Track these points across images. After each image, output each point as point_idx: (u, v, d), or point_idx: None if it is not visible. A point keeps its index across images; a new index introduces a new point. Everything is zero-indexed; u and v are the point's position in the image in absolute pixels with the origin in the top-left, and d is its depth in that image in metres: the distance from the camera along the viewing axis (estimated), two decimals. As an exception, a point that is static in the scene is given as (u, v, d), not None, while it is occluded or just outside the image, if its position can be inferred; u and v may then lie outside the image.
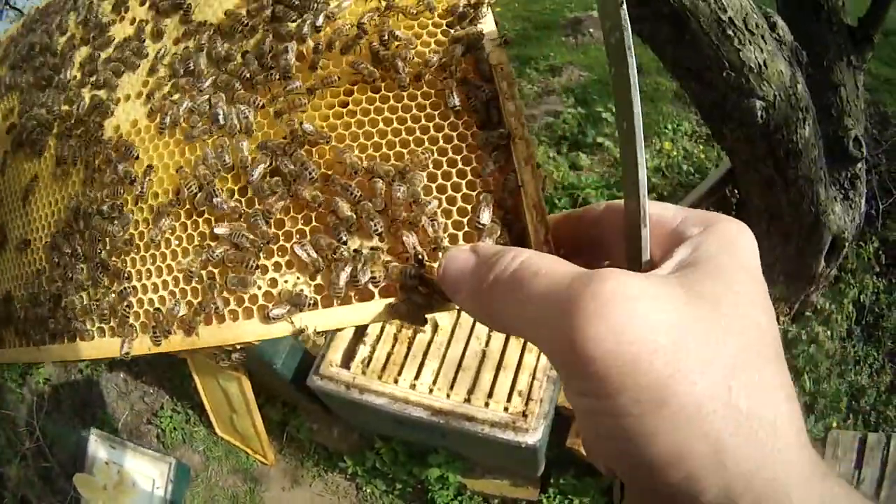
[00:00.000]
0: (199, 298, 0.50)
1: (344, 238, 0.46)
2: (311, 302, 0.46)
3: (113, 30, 0.63)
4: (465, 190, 0.47)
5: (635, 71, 0.33)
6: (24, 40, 0.73)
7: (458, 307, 0.41)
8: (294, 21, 0.53)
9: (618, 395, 0.28)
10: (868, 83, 3.05)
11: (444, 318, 2.36)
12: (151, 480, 2.71)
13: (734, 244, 0.33)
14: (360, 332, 2.40)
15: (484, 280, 0.35)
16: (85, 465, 2.76)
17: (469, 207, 0.46)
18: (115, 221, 0.54)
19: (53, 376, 3.30)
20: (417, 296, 0.44)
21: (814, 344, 2.50)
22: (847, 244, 2.41)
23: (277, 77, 0.51)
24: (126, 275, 0.53)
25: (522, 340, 2.26)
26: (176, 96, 0.56)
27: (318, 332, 0.46)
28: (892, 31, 3.46)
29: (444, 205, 0.47)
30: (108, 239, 0.54)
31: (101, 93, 0.61)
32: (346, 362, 2.30)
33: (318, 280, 0.47)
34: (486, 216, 0.45)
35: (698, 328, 0.28)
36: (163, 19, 0.60)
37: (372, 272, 0.45)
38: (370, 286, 0.45)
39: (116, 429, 3.02)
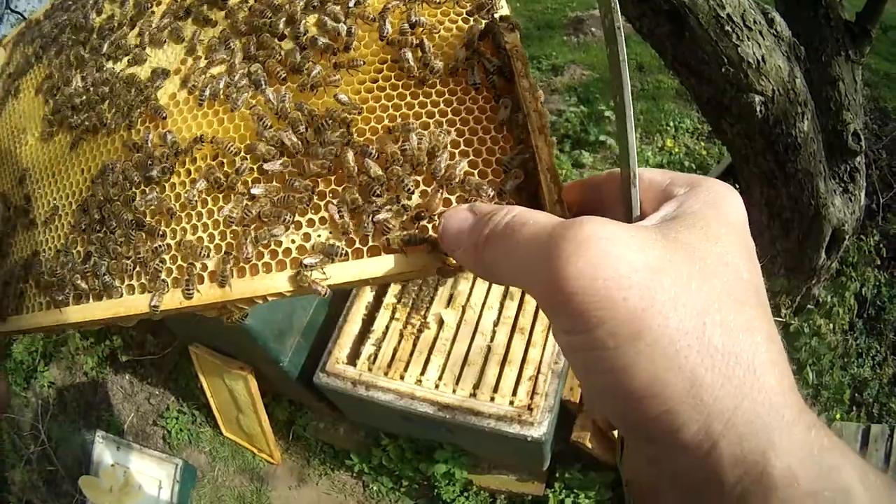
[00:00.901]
0: (234, 252, 0.51)
1: (378, 192, 0.49)
2: (343, 253, 0.49)
3: (152, 9, 0.67)
4: (485, 155, 0.50)
5: (624, 50, 0.36)
6: (52, 21, 0.75)
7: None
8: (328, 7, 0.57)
9: (595, 328, 0.29)
10: (868, 78, 3.07)
11: (450, 315, 2.38)
12: (158, 482, 2.72)
13: (718, 201, 0.35)
14: (366, 328, 2.41)
15: (481, 234, 0.38)
16: (90, 467, 2.77)
17: (489, 171, 0.50)
18: (155, 183, 0.56)
19: (58, 379, 3.31)
20: (439, 248, 0.47)
21: (816, 337, 2.51)
22: (847, 237, 2.43)
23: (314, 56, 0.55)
24: (161, 233, 0.55)
25: (527, 335, 2.27)
26: (215, 70, 0.59)
27: (348, 283, 0.49)
28: (890, 27, 3.49)
29: (468, 168, 0.50)
30: (144, 198, 0.56)
31: (140, 69, 0.64)
32: (352, 359, 2.31)
33: (350, 235, 0.49)
34: (508, 181, 0.48)
35: (673, 269, 0.30)
36: (199, 3, 0.63)
37: (401, 226, 0.48)
38: (400, 238, 0.48)
39: (122, 431, 3.02)
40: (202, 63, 0.60)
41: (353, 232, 0.49)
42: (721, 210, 0.34)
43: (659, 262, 0.30)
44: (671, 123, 3.46)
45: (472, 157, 0.50)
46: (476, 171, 0.50)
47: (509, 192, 0.48)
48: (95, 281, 0.57)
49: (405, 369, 2.24)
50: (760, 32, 1.90)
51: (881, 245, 2.74)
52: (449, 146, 0.50)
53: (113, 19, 0.69)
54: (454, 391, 2.18)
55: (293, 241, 0.51)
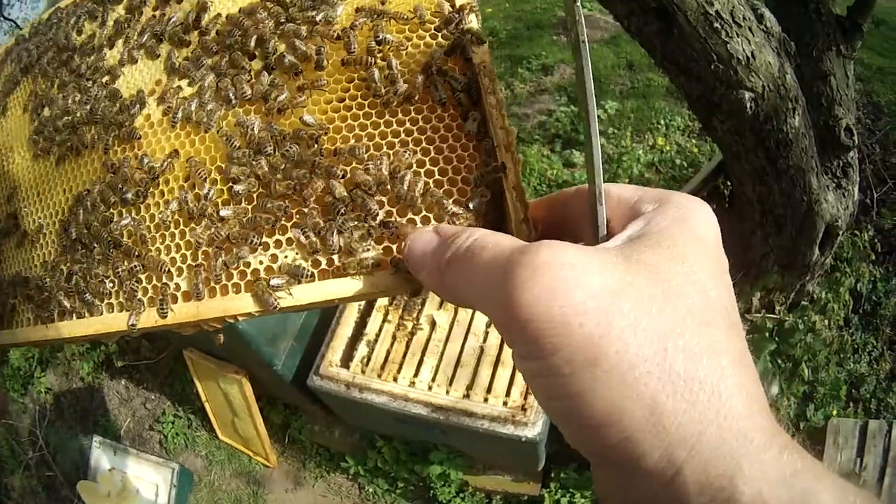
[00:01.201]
0: (205, 273, 0.53)
1: (342, 212, 0.49)
2: (309, 274, 0.49)
3: (128, 31, 0.67)
4: (451, 174, 0.50)
5: (590, 65, 0.36)
6: (37, 39, 0.77)
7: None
8: (293, 22, 0.58)
9: (551, 355, 0.29)
10: (860, 73, 3.07)
11: (442, 316, 2.37)
12: (155, 486, 2.72)
13: (686, 217, 0.34)
14: (359, 331, 2.41)
15: (443, 256, 0.38)
16: (88, 472, 2.78)
17: (455, 189, 0.50)
18: (131, 205, 0.57)
19: (55, 385, 3.32)
20: (405, 267, 0.47)
21: (811, 333, 2.51)
22: (841, 232, 2.42)
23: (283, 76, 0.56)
24: (136, 253, 0.56)
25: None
26: (187, 91, 0.60)
27: (314, 304, 0.50)
28: (882, 21, 3.48)
29: (433, 188, 0.50)
30: (120, 221, 0.58)
31: (118, 88, 0.65)
32: (346, 362, 2.31)
33: (316, 256, 0.50)
34: (474, 199, 0.48)
35: (634, 292, 0.29)
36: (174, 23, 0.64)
37: (366, 247, 0.48)
38: (365, 259, 0.49)
39: (119, 436, 3.03)
40: (175, 83, 0.61)
41: (319, 253, 0.49)
42: (689, 226, 0.33)
43: (618, 286, 0.29)
44: (662, 121, 3.45)
45: (437, 177, 0.50)
46: (442, 190, 0.49)
47: (475, 210, 0.48)
48: (77, 299, 0.59)
49: (398, 371, 2.24)
50: (750, 28, 1.89)
51: (876, 240, 2.73)
52: (414, 165, 0.50)
53: (93, 39, 0.70)
54: (448, 392, 2.18)
55: (261, 263, 0.51)
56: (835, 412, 2.63)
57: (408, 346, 2.30)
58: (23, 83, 0.77)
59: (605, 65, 3.76)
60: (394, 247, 0.49)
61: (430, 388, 2.20)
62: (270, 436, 2.68)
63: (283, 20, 0.58)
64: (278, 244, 0.51)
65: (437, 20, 0.55)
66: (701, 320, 0.29)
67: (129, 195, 0.57)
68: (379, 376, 2.24)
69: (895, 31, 3.38)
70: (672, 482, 0.28)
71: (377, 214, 0.49)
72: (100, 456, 2.79)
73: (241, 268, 0.52)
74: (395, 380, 2.22)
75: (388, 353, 2.30)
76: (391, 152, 0.51)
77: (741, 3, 1.93)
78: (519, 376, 2.19)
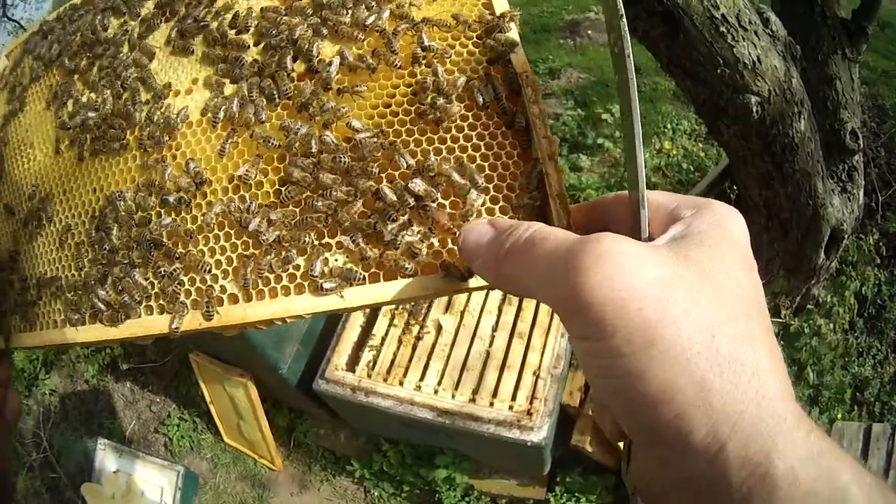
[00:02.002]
0: (253, 275, 0.53)
1: (393, 217, 0.50)
2: (360, 277, 0.50)
3: (160, 29, 0.66)
4: (496, 181, 0.52)
5: (634, 76, 0.38)
6: (59, 33, 0.74)
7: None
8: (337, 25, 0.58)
9: (611, 336, 0.31)
10: (866, 76, 3.06)
11: (448, 320, 2.37)
12: (160, 489, 2.72)
13: (722, 222, 0.37)
14: (365, 335, 2.41)
15: (501, 247, 0.40)
16: (93, 474, 2.78)
17: (500, 196, 0.51)
18: (171, 208, 0.56)
19: (59, 387, 3.32)
20: (455, 269, 0.49)
21: (816, 337, 2.51)
22: (846, 236, 2.42)
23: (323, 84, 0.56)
24: (177, 254, 0.55)
25: (525, 340, 2.27)
26: (227, 91, 0.59)
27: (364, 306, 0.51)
28: (888, 24, 3.47)
29: (479, 193, 0.51)
30: (161, 221, 0.56)
31: (151, 89, 0.64)
32: (352, 366, 2.32)
33: (367, 260, 0.51)
34: (521, 199, 0.50)
35: (683, 283, 0.32)
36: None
37: (414, 248, 0.50)
38: (412, 263, 0.50)
39: (124, 438, 3.03)
40: (214, 82, 0.60)
41: (369, 256, 0.50)
42: (725, 230, 0.36)
43: (671, 277, 0.32)
44: (668, 125, 3.44)
45: (487, 172, 0.52)
46: (491, 186, 0.51)
47: (524, 210, 0.50)
48: (113, 301, 0.57)
49: (404, 375, 2.24)
50: (756, 32, 1.89)
51: (881, 243, 2.73)
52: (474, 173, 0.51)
53: (121, 35, 0.68)
54: (453, 396, 2.18)
55: (310, 265, 0.52)
56: (839, 416, 2.63)
57: (414, 350, 2.30)
58: (44, 77, 0.74)
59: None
60: (444, 250, 0.50)
61: (435, 392, 2.20)
62: (276, 439, 2.68)
63: (324, 20, 0.58)
64: (328, 247, 0.52)
65: (478, 28, 0.56)
66: (741, 311, 0.32)
67: (172, 199, 0.56)
68: (385, 380, 2.24)
69: (900, 34, 3.38)
70: (716, 457, 0.30)
71: (430, 215, 0.50)
72: (104, 458, 2.79)
73: (291, 270, 0.52)
74: (400, 384, 2.22)
75: (394, 357, 2.30)
76: (440, 158, 0.52)
77: (747, 6, 1.92)
78: (525, 381, 2.20)
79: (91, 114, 0.65)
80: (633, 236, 0.38)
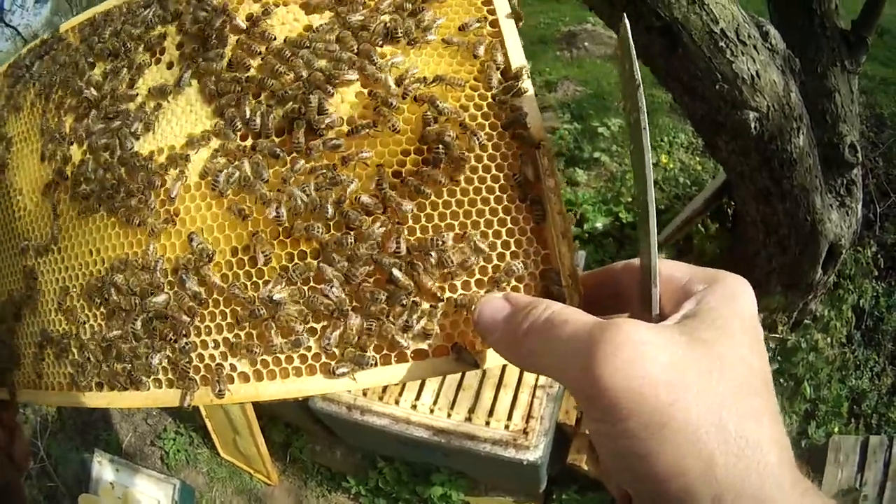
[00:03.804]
0: (263, 355, 0.52)
1: (404, 302, 0.50)
2: (372, 362, 0.50)
3: (148, 73, 0.63)
4: (508, 259, 0.51)
5: (650, 149, 0.39)
6: (39, 67, 0.71)
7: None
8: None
9: (627, 419, 0.33)
10: (864, 85, 3.04)
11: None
12: (156, 502, 2.72)
13: (734, 297, 0.38)
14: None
15: (520, 325, 0.41)
16: (90, 485, 2.77)
17: (514, 277, 0.50)
18: (186, 283, 0.54)
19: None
20: (467, 354, 0.49)
21: (813, 352, 2.50)
22: (844, 251, 2.41)
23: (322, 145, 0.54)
24: (184, 331, 0.54)
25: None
26: (223, 157, 0.57)
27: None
28: (887, 31, 3.44)
29: (490, 272, 0.51)
30: (156, 297, 0.55)
31: (148, 141, 0.61)
32: (347, 384, 2.30)
33: (377, 343, 0.51)
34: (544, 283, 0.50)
35: (695, 367, 0.34)
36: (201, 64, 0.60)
37: (427, 330, 0.49)
38: (424, 345, 0.50)
39: (120, 450, 3.03)
40: (210, 141, 0.58)
41: (380, 341, 0.50)
42: (736, 306, 0.38)
43: (683, 361, 0.34)
44: (665, 139, 3.42)
45: (500, 250, 0.51)
46: (503, 265, 0.50)
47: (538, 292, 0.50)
48: (120, 373, 0.56)
49: (400, 394, 2.23)
50: (755, 47, 1.86)
51: (879, 255, 2.72)
52: (479, 248, 0.50)
53: (111, 79, 0.64)
54: (449, 416, 2.18)
55: (323, 347, 0.51)
56: (836, 429, 2.63)
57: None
58: (25, 113, 0.71)
59: (608, 81, 3.72)
60: (455, 332, 0.49)
61: (431, 411, 2.20)
62: (272, 454, 2.67)
63: (330, 77, 0.55)
64: (337, 327, 0.51)
65: (495, 83, 0.53)
66: (748, 389, 0.34)
67: (189, 284, 0.54)
68: (380, 399, 2.23)
69: (899, 41, 3.35)
70: None
71: (441, 301, 0.49)
72: (101, 469, 2.79)
73: (303, 352, 0.51)
74: (396, 403, 2.22)
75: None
76: (453, 235, 0.50)
77: (746, 21, 1.89)
78: (521, 399, 2.19)
79: (83, 170, 0.62)
80: (644, 309, 0.41)
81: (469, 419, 2.17)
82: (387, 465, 2.56)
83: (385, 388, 2.28)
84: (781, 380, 2.51)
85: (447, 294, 0.50)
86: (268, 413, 2.72)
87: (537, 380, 2.21)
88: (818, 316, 2.58)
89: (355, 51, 0.56)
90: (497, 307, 0.44)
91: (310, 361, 0.51)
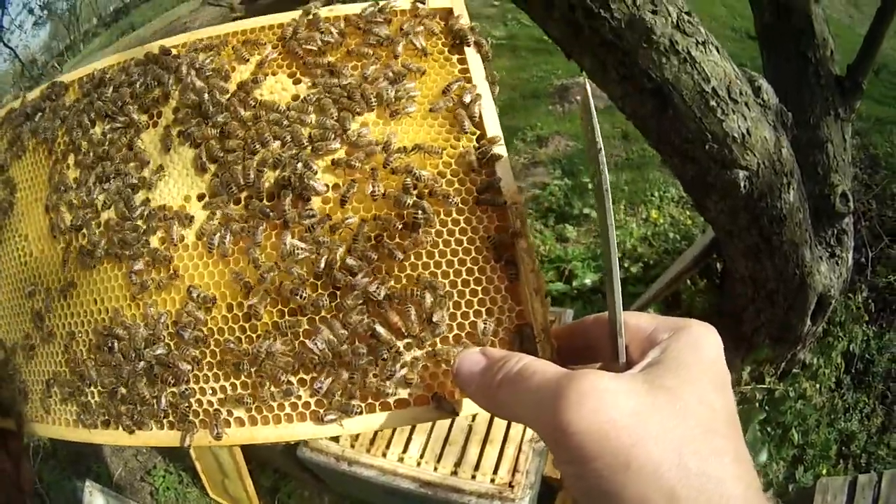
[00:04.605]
0: (257, 403, 0.56)
1: (384, 356, 0.54)
2: (358, 410, 0.54)
3: (145, 135, 0.67)
4: (484, 316, 0.55)
5: (612, 210, 0.42)
6: (41, 120, 0.74)
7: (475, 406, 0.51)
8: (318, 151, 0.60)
9: (593, 460, 0.36)
10: (858, 126, 3.02)
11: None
12: (146, 536, 2.72)
13: (697, 343, 0.41)
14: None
15: (494, 377, 0.44)
16: (81, 513, 2.78)
17: (490, 331, 0.55)
18: (189, 332, 0.59)
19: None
20: (446, 403, 0.53)
21: (801, 399, 2.50)
22: (833, 301, 2.40)
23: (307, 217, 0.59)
24: (185, 378, 0.59)
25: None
26: (220, 214, 0.61)
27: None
28: (884, 66, 3.41)
29: (468, 329, 0.55)
30: (155, 351, 0.60)
31: (151, 198, 0.65)
32: (335, 436, 2.31)
33: (364, 393, 0.55)
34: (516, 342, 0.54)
35: (656, 410, 0.37)
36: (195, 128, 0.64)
37: (408, 380, 0.53)
38: (406, 394, 0.54)
39: (111, 483, 3.03)
40: (208, 206, 0.62)
41: (364, 391, 0.54)
42: (700, 351, 0.41)
43: (644, 407, 0.37)
44: (656, 193, 3.41)
45: (476, 308, 0.55)
46: (480, 321, 0.55)
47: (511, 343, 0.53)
48: (124, 415, 0.61)
49: (387, 447, 2.24)
50: (746, 104, 1.85)
51: (870, 300, 2.71)
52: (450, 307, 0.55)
53: (112, 140, 0.68)
54: (436, 469, 2.18)
55: (312, 396, 0.56)
56: (824, 471, 2.63)
57: (397, 421, 2.29)
58: (28, 161, 0.74)
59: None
60: (434, 383, 0.53)
61: (418, 464, 2.20)
62: (260, 498, 2.67)
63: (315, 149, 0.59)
64: (327, 377, 0.55)
65: (470, 148, 0.58)
66: (708, 429, 0.37)
67: (187, 334, 0.58)
68: (368, 450, 2.24)
69: (894, 76, 3.31)
70: None
71: (419, 353, 0.53)
72: (92, 500, 2.80)
73: (293, 400, 0.56)
74: (383, 455, 2.22)
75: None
76: (430, 293, 0.54)
77: (738, 77, 1.87)
78: (507, 454, 2.19)
79: (92, 224, 0.65)
80: (613, 359, 0.44)
81: (455, 472, 2.18)
82: (374, 513, 2.56)
83: (373, 441, 2.29)
84: (769, 428, 2.51)
85: (427, 342, 0.54)
86: (257, 458, 2.73)
87: (523, 435, 2.22)
88: (807, 364, 2.58)
89: (335, 118, 0.60)
90: (474, 360, 0.47)
91: (300, 409, 0.56)
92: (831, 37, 2.13)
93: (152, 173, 0.65)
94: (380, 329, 0.54)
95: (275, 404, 0.56)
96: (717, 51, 1.82)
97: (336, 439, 2.29)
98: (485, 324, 0.54)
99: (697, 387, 0.38)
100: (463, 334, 0.55)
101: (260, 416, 0.56)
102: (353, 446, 2.25)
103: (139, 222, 0.63)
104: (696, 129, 1.86)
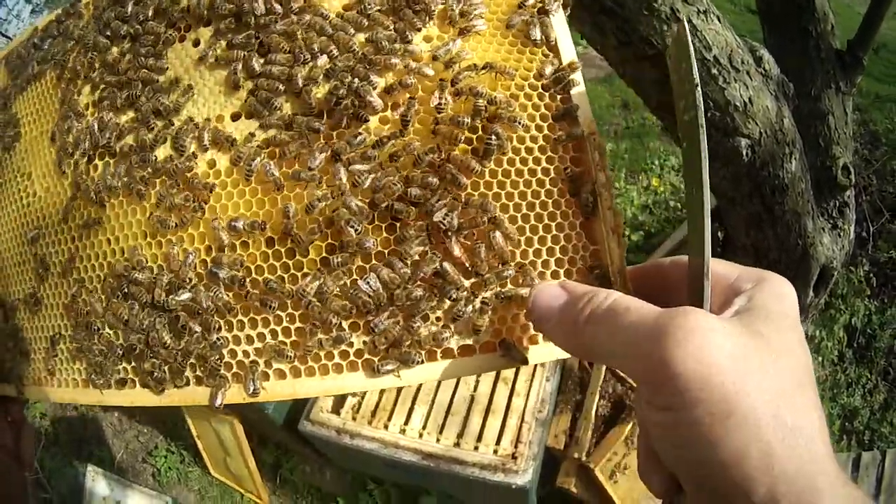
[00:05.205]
0: (301, 351, 0.50)
1: (454, 296, 0.49)
2: (419, 359, 0.49)
3: (170, 52, 0.59)
4: (558, 255, 0.51)
5: (706, 147, 0.39)
6: (47, 45, 0.66)
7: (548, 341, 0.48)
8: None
9: (694, 406, 0.34)
10: (858, 102, 3.02)
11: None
12: (149, 518, 2.72)
13: (780, 296, 0.40)
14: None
15: (581, 313, 0.41)
16: (83, 499, 2.77)
17: (563, 271, 0.50)
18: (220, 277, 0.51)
19: (49, 411, 3.31)
20: (515, 350, 0.48)
21: (805, 372, 2.50)
22: (836, 273, 2.40)
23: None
24: (216, 325, 0.52)
25: (510, 385, 2.26)
26: (259, 137, 0.54)
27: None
28: (884, 45, 3.41)
29: (539, 267, 0.51)
30: (182, 294, 0.53)
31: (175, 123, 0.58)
32: (337, 408, 2.30)
33: (425, 337, 0.49)
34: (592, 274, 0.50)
35: (756, 358, 0.35)
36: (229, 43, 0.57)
37: (476, 326, 0.49)
38: (471, 341, 0.49)
39: (113, 466, 3.03)
40: (243, 126, 0.54)
41: (426, 337, 0.49)
42: (782, 304, 0.39)
43: (745, 351, 0.35)
44: (656, 161, 3.40)
45: (549, 245, 0.50)
46: (553, 260, 0.50)
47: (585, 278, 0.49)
48: (144, 371, 0.54)
49: (389, 418, 2.23)
50: (748, 73, 1.84)
51: (871, 274, 2.71)
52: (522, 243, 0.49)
53: (131, 56, 0.60)
54: (438, 440, 2.18)
55: (364, 343, 0.50)
56: (827, 448, 2.63)
57: (398, 394, 2.29)
58: (34, 93, 0.66)
59: (599, 104, 3.69)
60: (503, 328, 0.49)
61: (420, 435, 2.19)
62: (262, 475, 2.67)
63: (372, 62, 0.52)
64: (387, 319, 0.49)
65: (543, 73, 0.52)
66: (799, 381, 0.36)
67: (223, 273, 0.51)
68: (369, 423, 2.23)
69: (894, 55, 3.31)
70: None
71: (505, 278, 0.48)
72: (94, 484, 2.79)
73: (345, 348, 0.50)
74: (385, 427, 2.21)
75: (379, 400, 2.29)
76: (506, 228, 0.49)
77: (740, 46, 1.86)
78: (509, 424, 2.18)
79: (107, 156, 0.57)
80: (693, 305, 0.40)
81: (458, 444, 2.17)
82: (377, 488, 2.56)
83: (375, 412, 2.28)
84: (772, 401, 2.51)
85: (497, 282, 0.48)
86: (258, 434, 2.72)
87: (526, 405, 2.21)
88: (809, 336, 2.58)
89: (393, 29, 0.53)
90: (554, 294, 0.44)
91: (351, 358, 0.50)
92: (831, 12, 2.13)
93: (180, 94, 0.57)
94: (447, 266, 0.48)
95: (322, 353, 0.50)
96: (719, 20, 1.82)
97: (337, 411, 2.28)
98: (557, 263, 0.50)
99: (787, 337, 0.37)
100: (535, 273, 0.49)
101: (304, 366, 0.50)
102: (354, 419, 2.24)
103: (161, 150, 0.56)
104: (697, 97, 1.85)
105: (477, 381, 2.28)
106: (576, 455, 2.19)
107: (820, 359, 2.55)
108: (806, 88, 2.26)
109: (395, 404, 2.27)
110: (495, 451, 2.14)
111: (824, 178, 2.32)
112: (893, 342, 2.80)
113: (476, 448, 2.15)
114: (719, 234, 2.50)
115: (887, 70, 3.46)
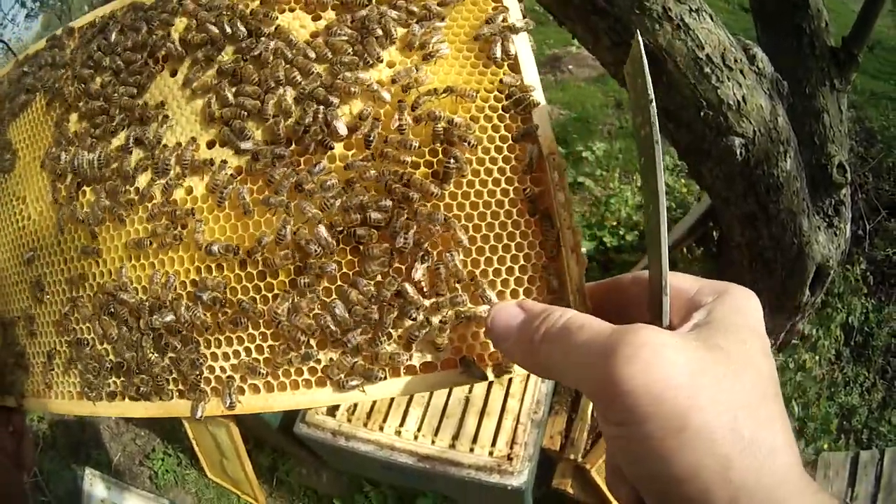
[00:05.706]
0: (273, 368, 0.53)
1: (414, 316, 0.51)
2: (382, 377, 0.51)
3: (151, 83, 0.62)
4: (517, 274, 0.51)
5: (661, 162, 0.39)
6: (36, 70, 0.70)
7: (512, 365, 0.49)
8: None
9: (645, 421, 0.34)
10: (853, 99, 3.01)
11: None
12: (146, 520, 2.72)
13: (742, 308, 0.40)
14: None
15: (536, 331, 0.41)
16: (81, 502, 2.78)
17: (522, 290, 0.51)
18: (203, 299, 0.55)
19: (47, 415, 3.32)
20: (475, 367, 0.49)
21: (801, 371, 2.49)
22: (832, 272, 2.39)
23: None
24: (195, 342, 0.55)
25: (505, 386, 2.25)
26: (232, 163, 0.56)
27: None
28: (878, 42, 3.41)
29: (499, 287, 0.52)
30: (163, 317, 0.56)
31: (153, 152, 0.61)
32: (332, 410, 2.30)
33: (387, 354, 0.52)
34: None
35: (711, 372, 0.35)
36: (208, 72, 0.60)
37: (437, 344, 0.50)
38: (432, 357, 0.51)
39: (110, 468, 3.03)
40: (218, 153, 0.57)
41: (388, 353, 0.51)
42: (743, 316, 0.39)
43: (700, 366, 0.35)
44: None
45: (509, 264, 0.51)
46: (513, 279, 0.51)
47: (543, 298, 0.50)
48: (131, 385, 0.58)
49: (384, 420, 2.23)
50: (741, 71, 1.83)
51: (868, 273, 2.70)
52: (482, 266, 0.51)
53: (114, 85, 0.63)
54: (433, 442, 2.17)
55: (331, 359, 0.52)
56: (825, 446, 2.62)
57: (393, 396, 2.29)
58: (27, 119, 0.69)
59: (592, 104, 3.69)
60: (462, 346, 0.50)
61: (415, 437, 2.19)
62: (258, 477, 2.67)
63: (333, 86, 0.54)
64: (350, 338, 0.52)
65: (502, 96, 0.53)
66: (760, 393, 0.36)
67: (205, 297, 0.54)
68: (365, 425, 2.23)
69: (889, 53, 3.31)
70: None
71: (459, 302, 0.50)
72: (92, 487, 2.79)
73: (312, 364, 0.52)
74: (381, 429, 2.21)
75: (374, 402, 2.29)
76: (460, 253, 0.50)
77: (733, 44, 1.86)
78: (504, 426, 2.18)
79: (94, 182, 0.60)
80: (653, 320, 0.41)
81: (453, 446, 2.17)
82: (373, 490, 2.56)
83: (370, 414, 2.28)
84: (769, 400, 2.50)
85: (457, 302, 0.50)
86: (255, 437, 2.72)
87: (521, 407, 2.21)
88: (806, 335, 2.57)
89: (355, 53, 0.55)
90: (512, 314, 0.44)
91: (319, 374, 0.53)
92: (825, 9, 2.12)
93: (159, 125, 0.60)
94: (407, 287, 0.50)
95: (292, 369, 0.52)
96: (711, 18, 1.81)
97: (333, 413, 2.28)
98: (516, 282, 0.50)
99: (746, 349, 0.37)
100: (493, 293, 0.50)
101: (277, 381, 0.53)
102: (349, 421, 2.24)
103: (143, 176, 0.59)
104: (690, 96, 1.84)
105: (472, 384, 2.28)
106: (571, 456, 2.19)
107: (817, 357, 2.55)
108: (800, 86, 2.26)
109: (390, 406, 2.27)
110: (491, 453, 2.13)
111: (819, 176, 2.31)
112: (891, 340, 2.79)
113: (472, 450, 2.14)
114: (714, 233, 2.50)
115: (882, 67, 3.45)
